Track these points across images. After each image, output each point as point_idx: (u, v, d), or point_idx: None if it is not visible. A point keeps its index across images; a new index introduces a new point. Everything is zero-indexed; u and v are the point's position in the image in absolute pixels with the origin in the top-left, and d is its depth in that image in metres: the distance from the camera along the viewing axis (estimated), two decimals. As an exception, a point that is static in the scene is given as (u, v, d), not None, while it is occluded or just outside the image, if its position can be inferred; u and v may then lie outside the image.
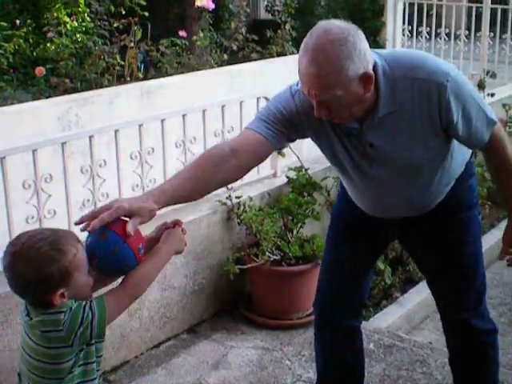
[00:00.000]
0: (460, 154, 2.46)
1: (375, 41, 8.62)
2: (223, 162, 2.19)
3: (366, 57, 2.09)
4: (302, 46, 2.10)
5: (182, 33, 6.46)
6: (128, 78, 5.88)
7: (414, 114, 2.21)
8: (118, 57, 5.82)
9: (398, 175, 2.37)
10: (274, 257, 3.77)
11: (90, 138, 3.31)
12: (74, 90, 5.41)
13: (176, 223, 2.17)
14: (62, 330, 1.86)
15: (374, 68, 2.15)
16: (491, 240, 4.91)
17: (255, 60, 6.35)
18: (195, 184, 2.18)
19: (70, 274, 1.87)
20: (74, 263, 1.88)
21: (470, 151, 2.57)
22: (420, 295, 4.23)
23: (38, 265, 1.83)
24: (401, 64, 2.21)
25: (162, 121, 3.59)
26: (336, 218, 2.78)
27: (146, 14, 5.81)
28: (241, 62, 6.12)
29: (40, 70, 5.75)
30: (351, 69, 2.05)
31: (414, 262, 2.80)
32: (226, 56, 6.50)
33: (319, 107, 2.14)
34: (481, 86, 5.92)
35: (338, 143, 2.33)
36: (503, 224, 5.23)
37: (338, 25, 2.09)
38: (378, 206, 2.53)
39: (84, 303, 1.90)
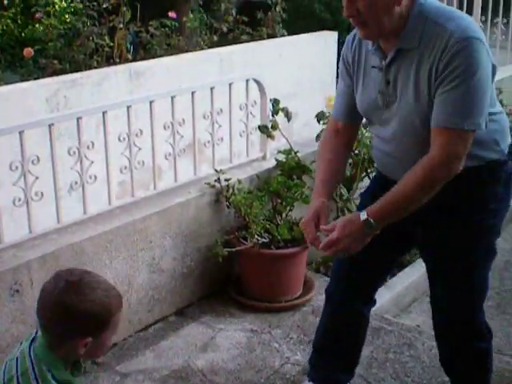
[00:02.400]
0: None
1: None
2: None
3: None
4: None
5: (172, 14, 6.40)
6: (117, 60, 5.83)
7: (427, 55, 2.22)
8: (106, 38, 5.77)
9: (400, 130, 2.37)
10: (263, 240, 3.76)
11: (78, 119, 3.29)
12: (63, 72, 5.36)
13: None
14: None
15: (412, 1, 2.24)
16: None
17: (245, 42, 6.31)
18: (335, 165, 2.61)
19: (107, 326, 1.91)
20: (115, 321, 1.93)
21: (494, 147, 2.39)
22: (408, 278, 4.24)
23: (88, 303, 1.85)
24: (440, 12, 2.25)
25: (151, 102, 3.57)
26: (364, 199, 2.75)
27: (136, -6, 5.77)
28: (231, 44, 6.08)
29: (28, 51, 5.69)
30: None
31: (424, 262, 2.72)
32: (215, 37, 6.46)
33: (349, 5, 2.22)
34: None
35: (365, 80, 2.45)
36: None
37: None
38: (389, 161, 2.51)
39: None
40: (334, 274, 2.90)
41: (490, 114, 2.29)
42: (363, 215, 2.28)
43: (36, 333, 1.98)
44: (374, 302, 2.92)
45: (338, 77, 2.69)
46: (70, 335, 1.89)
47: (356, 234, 2.29)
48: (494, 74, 2.24)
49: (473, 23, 2.23)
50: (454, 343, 2.69)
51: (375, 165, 2.83)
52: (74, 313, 1.84)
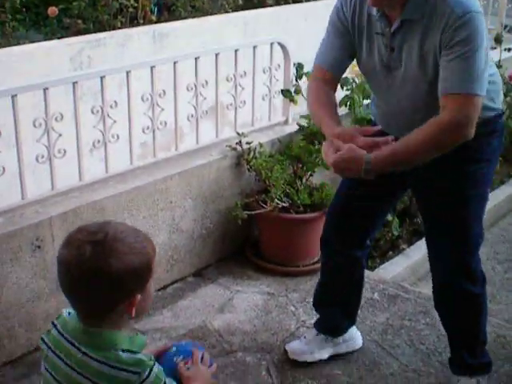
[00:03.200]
0: None
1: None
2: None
3: None
4: None
5: (198, -24, 6.37)
6: (141, 21, 5.83)
7: (431, 27, 2.31)
8: (131, -1, 5.76)
9: (405, 92, 2.46)
10: (283, 204, 3.77)
11: (102, 78, 3.29)
12: (87, 32, 5.37)
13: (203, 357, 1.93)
14: None
15: None
16: (500, 196, 4.91)
17: (270, 6, 6.28)
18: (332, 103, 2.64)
19: (150, 274, 1.67)
20: (154, 264, 1.68)
21: (492, 107, 2.51)
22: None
23: (126, 259, 1.59)
24: None
25: (175, 63, 3.56)
26: None
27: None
28: (256, 8, 6.05)
29: (53, 10, 5.69)
30: None
31: (419, 213, 2.82)
32: (240, 1, 6.42)
33: None
34: (498, 40, 5.84)
35: (368, 44, 2.50)
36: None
37: None
38: (391, 121, 2.61)
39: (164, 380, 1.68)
40: (327, 223, 3.00)
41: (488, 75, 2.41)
42: (368, 158, 2.34)
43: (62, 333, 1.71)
44: (368, 247, 3.02)
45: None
46: (117, 301, 1.64)
47: (354, 166, 2.37)
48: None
49: (474, 1, 2.32)
50: (448, 285, 2.75)
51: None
52: (116, 275, 1.57)
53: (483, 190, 2.64)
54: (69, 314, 1.75)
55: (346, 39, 2.56)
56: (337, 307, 3.08)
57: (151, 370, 1.65)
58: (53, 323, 1.77)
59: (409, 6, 2.33)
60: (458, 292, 2.74)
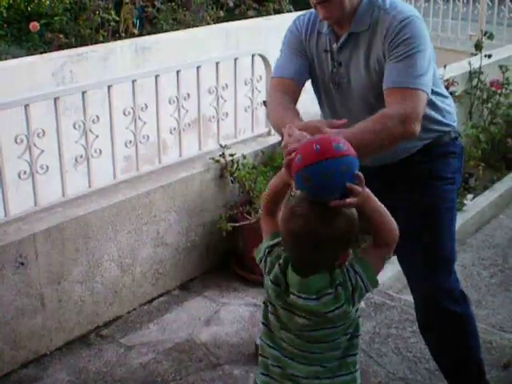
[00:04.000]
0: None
1: None
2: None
3: None
4: None
5: (179, -11, 6.40)
6: (123, 34, 5.85)
7: (375, 39, 2.38)
8: (113, 12, 5.78)
9: (357, 106, 2.49)
10: (267, 215, 3.77)
11: (83, 93, 3.29)
12: (69, 46, 5.38)
13: None
14: (343, 304, 1.84)
15: None
16: (483, 202, 4.94)
17: (252, 17, 6.30)
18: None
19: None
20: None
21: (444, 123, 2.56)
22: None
23: (351, 217, 1.82)
24: (387, 1, 2.40)
25: (156, 77, 3.57)
26: None
27: (142, -32, 5.75)
28: (237, 19, 6.07)
29: (34, 25, 5.71)
30: None
31: None
32: (222, 13, 6.46)
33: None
34: (478, 46, 5.88)
35: (318, 62, 2.54)
36: (497, 185, 5.29)
37: None
38: None
39: (345, 270, 1.87)
40: None
41: (438, 94, 2.51)
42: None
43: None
44: None
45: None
46: (338, 253, 1.86)
47: None
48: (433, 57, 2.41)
49: (414, 10, 2.42)
50: (429, 307, 2.70)
51: None
52: (340, 235, 1.81)
53: (450, 205, 2.63)
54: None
55: (304, 57, 2.59)
56: None
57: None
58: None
59: (356, 20, 2.41)
60: (439, 312, 2.66)
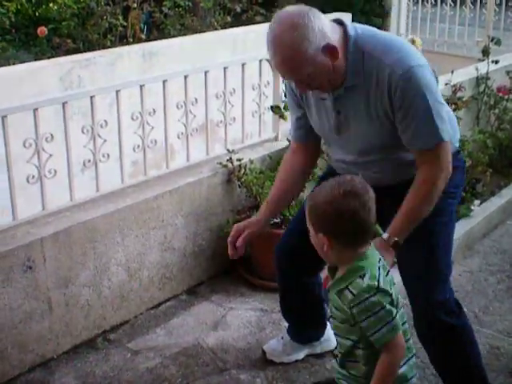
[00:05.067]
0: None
1: (380, 5, 8.54)
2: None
3: (323, 32, 2.29)
4: (266, 38, 2.34)
5: (186, -6, 6.42)
6: (130, 39, 5.86)
7: (373, 90, 2.38)
8: (120, 17, 5.80)
9: (358, 149, 2.56)
10: (274, 220, 3.77)
11: (91, 98, 3.30)
12: (76, 51, 5.39)
13: None
14: None
15: (346, 39, 2.36)
16: (491, 208, 4.92)
17: (259, 23, 6.31)
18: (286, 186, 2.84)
19: None
20: None
21: None
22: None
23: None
24: (374, 43, 2.39)
25: (164, 82, 3.58)
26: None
27: (150, -27, 5.77)
28: (245, 25, 6.08)
29: (42, 30, 5.72)
30: (310, 47, 2.27)
31: None
32: (229, 18, 6.46)
33: (299, 85, 2.45)
34: (485, 52, 5.88)
35: (317, 110, 2.60)
36: (504, 191, 5.27)
37: (289, 12, 2.31)
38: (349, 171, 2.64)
39: None
40: (280, 245, 3.06)
41: None
42: (390, 239, 2.43)
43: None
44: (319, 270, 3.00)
45: None
46: None
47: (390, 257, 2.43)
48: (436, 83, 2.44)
49: (405, 49, 2.39)
50: (423, 319, 2.70)
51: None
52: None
53: (449, 219, 2.67)
54: None
55: (303, 109, 2.68)
56: (304, 320, 3.19)
57: None
58: None
59: (348, 74, 2.39)
60: (433, 324, 2.66)
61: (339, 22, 2.40)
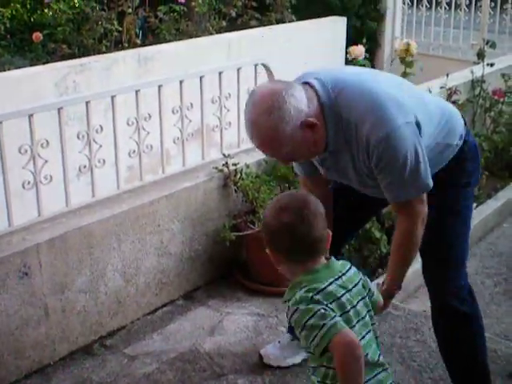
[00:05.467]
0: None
1: (375, 9, 8.55)
2: None
3: (299, 109, 2.27)
4: (244, 115, 2.38)
5: (181, -1, 6.41)
6: (126, 45, 5.86)
7: (356, 152, 2.40)
8: (115, 23, 5.79)
9: (356, 187, 2.62)
10: (271, 224, 3.77)
11: (87, 103, 3.30)
12: (72, 56, 5.39)
13: None
14: None
15: (322, 108, 2.34)
16: (487, 210, 4.93)
17: (254, 27, 6.31)
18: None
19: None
20: None
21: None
22: (414, 264, 4.23)
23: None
24: (349, 107, 2.35)
25: (159, 87, 3.58)
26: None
27: (145, -21, 5.78)
28: (240, 29, 6.08)
29: (37, 36, 5.72)
30: (287, 127, 2.27)
31: None
32: (224, 23, 6.46)
33: (283, 162, 2.62)
34: (480, 55, 5.89)
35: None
36: (500, 194, 5.27)
37: (264, 94, 2.30)
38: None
39: None
40: None
41: (448, 144, 2.57)
42: (390, 286, 2.62)
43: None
44: (342, 256, 3.06)
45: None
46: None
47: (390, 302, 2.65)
48: (419, 128, 2.39)
49: (382, 106, 2.32)
50: (436, 305, 2.79)
51: None
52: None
53: (464, 204, 2.72)
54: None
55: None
56: None
57: None
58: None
59: (330, 141, 2.40)
60: (445, 310, 2.75)
61: (311, 85, 2.36)
